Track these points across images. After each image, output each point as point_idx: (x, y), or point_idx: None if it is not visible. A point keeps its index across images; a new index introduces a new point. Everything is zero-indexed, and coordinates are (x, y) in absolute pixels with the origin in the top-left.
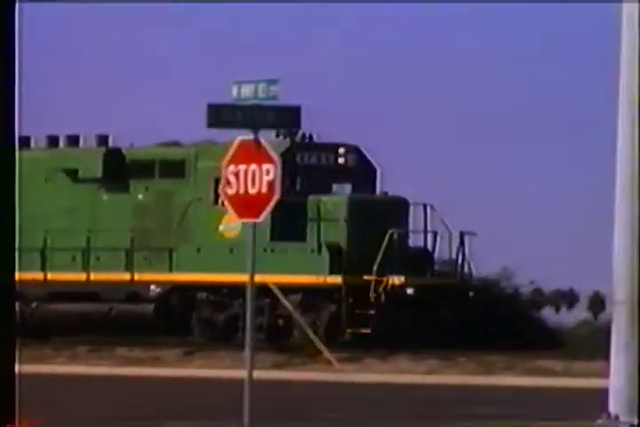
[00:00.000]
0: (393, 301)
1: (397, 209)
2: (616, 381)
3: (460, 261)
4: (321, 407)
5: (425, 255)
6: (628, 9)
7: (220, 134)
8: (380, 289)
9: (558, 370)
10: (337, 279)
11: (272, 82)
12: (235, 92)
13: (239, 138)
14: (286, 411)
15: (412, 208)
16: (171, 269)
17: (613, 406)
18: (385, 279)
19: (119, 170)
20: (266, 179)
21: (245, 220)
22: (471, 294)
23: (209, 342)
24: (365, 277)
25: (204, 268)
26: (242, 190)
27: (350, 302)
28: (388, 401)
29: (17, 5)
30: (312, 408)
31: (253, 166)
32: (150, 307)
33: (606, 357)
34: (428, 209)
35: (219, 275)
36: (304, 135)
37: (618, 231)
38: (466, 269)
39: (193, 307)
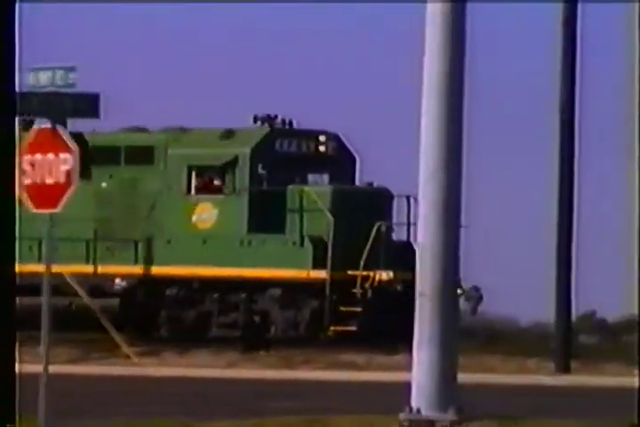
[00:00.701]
0: (380, 297)
1: (383, 201)
2: (418, 374)
3: None
4: (118, 402)
5: (409, 249)
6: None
7: (190, 120)
8: (367, 285)
9: (360, 363)
10: (321, 274)
11: (70, 69)
12: (32, 79)
13: (37, 127)
14: (83, 407)
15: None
16: (137, 262)
17: (416, 400)
18: (372, 274)
19: (81, 156)
20: (63, 168)
21: (43, 211)
22: (459, 291)
23: (177, 340)
24: (351, 272)
25: (174, 260)
26: (38, 180)
27: (334, 299)
28: (187, 395)
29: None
30: (109, 403)
31: (51, 156)
32: (115, 301)
33: (409, 350)
34: (412, 201)
35: (190, 268)
36: (284, 121)
37: (421, 223)
38: None
39: (162, 302)
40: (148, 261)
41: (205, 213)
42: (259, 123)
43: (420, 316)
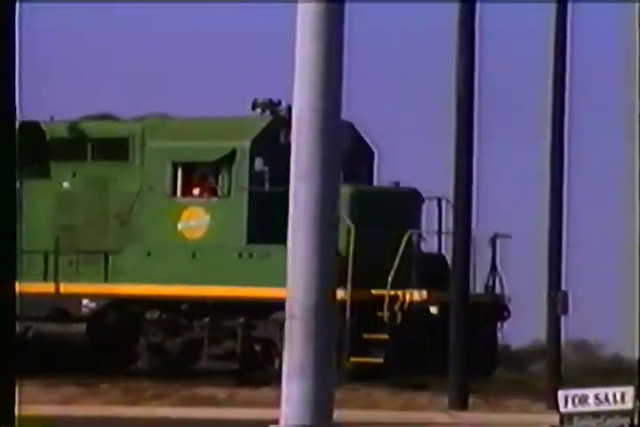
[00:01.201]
0: (412, 322)
1: (412, 204)
2: (287, 410)
3: (491, 274)
4: None
5: (442, 263)
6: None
7: (172, 108)
8: (396, 307)
9: (221, 398)
10: (339, 293)
11: None
12: None
13: None
14: None
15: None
16: (108, 279)
17: None
18: (402, 294)
19: (37, 150)
20: None
21: None
22: (505, 314)
23: (158, 374)
24: (375, 292)
25: (155, 277)
26: None
27: (355, 324)
28: None
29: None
30: None
31: None
32: (81, 327)
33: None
34: (444, 204)
35: (176, 287)
36: (289, 108)
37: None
38: (497, 283)
39: (140, 328)
40: (123, 278)
41: (194, 220)
42: (258, 110)
43: (289, 342)
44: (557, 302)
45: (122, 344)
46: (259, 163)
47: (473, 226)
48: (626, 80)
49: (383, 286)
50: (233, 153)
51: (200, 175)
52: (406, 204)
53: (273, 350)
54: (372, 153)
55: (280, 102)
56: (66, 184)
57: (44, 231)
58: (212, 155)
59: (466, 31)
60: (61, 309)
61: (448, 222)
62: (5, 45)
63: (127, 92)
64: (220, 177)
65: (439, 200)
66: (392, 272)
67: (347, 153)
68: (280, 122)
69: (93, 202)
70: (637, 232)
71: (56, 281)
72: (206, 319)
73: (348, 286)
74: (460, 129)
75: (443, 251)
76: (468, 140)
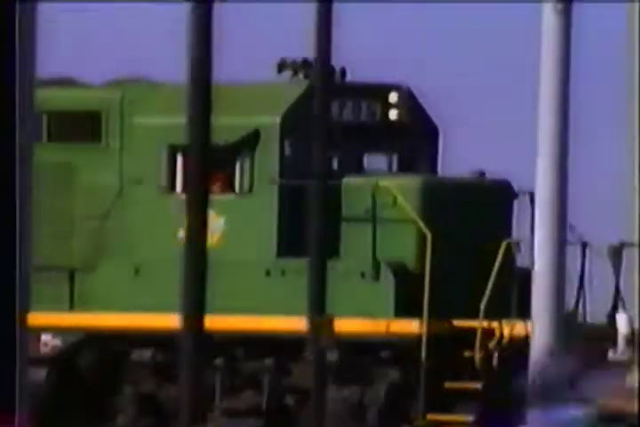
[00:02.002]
0: (514, 365)
1: (505, 203)
2: None
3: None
4: None
5: None
6: None
7: (159, 71)
8: (492, 344)
9: None
10: (411, 325)
11: None
12: None
13: None
14: None
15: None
16: (73, 305)
17: None
18: (499, 326)
19: None
20: None
21: None
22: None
23: None
24: (462, 323)
25: (145, 303)
26: None
27: (433, 367)
28: None
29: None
30: None
31: None
32: (39, 373)
33: None
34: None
35: (175, 316)
36: (342, 71)
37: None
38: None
39: (123, 373)
40: (99, 305)
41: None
42: (287, 73)
43: None
44: None
45: (97, 397)
46: (292, 147)
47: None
48: None
49: (472, 316)
50: (256, 133)
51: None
52: (498, 202)
53: (307, 401)
54: (437, 130)
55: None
56: None
57: None
58: (225, 136)
59: None
60: None
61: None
62: (5, 46)
63: (92, 52)
64: (237, 166)
65: (531, 196)
66: (485, 297)
67: (403, 131)
68: None
69: (50, 199)
70: None
71: None
72: (219, 361)
73: (425, 314)
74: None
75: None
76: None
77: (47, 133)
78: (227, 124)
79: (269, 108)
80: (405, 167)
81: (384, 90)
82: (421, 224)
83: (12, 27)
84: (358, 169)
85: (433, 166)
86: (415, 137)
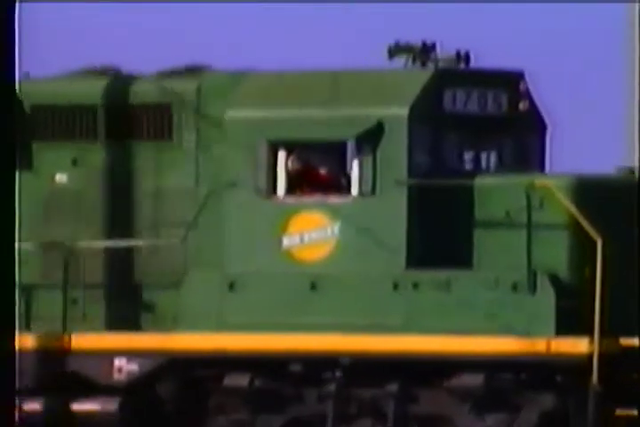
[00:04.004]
0: None
1: None
2: None
3: None
4: None
5: None
6: None
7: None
8: None
9: None
10: (579, 345)
11: None
12: None
13: None
14: None
15: None
16: (155, 323)
17: None
18: None
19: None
20: None
21: None
22: None
23: None
24: (630, 342)
25: (245, 322)
26: None
27: (603, 391)
28: None
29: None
30: None
31: None
32: (112, 404)
33: None
34: None
35: (283, 336)
36: (457, 55)
37: None
38: None
39: (216, 402)
40: (185, 324)
41: (312, 232)
42: (403, 58)
43: None
44: None
45: None
46: (423, 142)
47: None
48: None
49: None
50: (379, 127)
51: (318, 162)
52: None
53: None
54: (545, 126)
55: (435, 46)
56: (60, 177)
57: (24, 253)
58: (343, 130)
59: None
60: (74, 374)
61: None
62: (5, 46)
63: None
64: (356, 164)
65: None
66: None
67: (520, 124)
68: (448, 78)
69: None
70: None
71: (65, 330)
72: (331, 387)
73: (596, 334)
74: None
75: None
76: None
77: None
78: (344, 117)
79: (396, 98)
80: (518, 163)
81: (512, 78)
82: (589, 229)
83: (12, 26)
84: (476, 165)
85: (542, 164)
86: (535, 131)
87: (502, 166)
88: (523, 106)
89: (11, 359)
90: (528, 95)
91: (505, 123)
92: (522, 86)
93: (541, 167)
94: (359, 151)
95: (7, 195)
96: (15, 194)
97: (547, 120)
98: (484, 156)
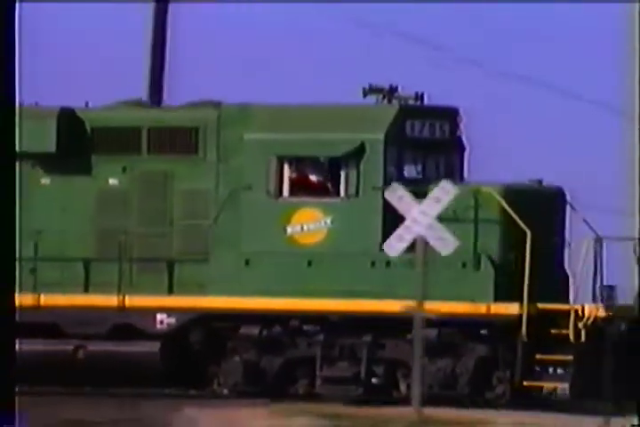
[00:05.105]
0: (598, 341)
1: (560, 206)
2: None
3: None
4: None
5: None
6: None
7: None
8: (580, 324)
9: None
10: (511, 308)
11: None
12: None
13: None
14: None
15: None
16: (171, 290)
17: None
18: (585, 309)
19: (75, 141)
20: None
21: None
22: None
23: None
24: (553, 306)
25: (256, 289)
26: None
27: (529, 343)
28: None
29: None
30: None
31: None
32: (155, 347)
33: None
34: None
35: (286, 299)
36: (421, 96)
37: None
38: None
39: (229, 346)
40: (212, 290)
41: (310, 223)
42: (375, 98)
43: None
44: None
45: (207, 365)
46: (392, 158)
47: None
48: None
49: (552, 300)
50: (361, 147)
51: (314, 172)
52: (557, 205)
53: (399, 372)
54: (464, 147)
55: (397, 88)
56: (113, 181)
57: (83, 235)
58: (334, 149)
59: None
60: (128, 325)
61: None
62: (5, 46)
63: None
64: (343, 174)
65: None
66: (574, 284)
67: (448, 145)
68: (407, 112)
69: (150, 203)
70: None
71: (120, 293)
72: (319, 337)
73: (525, 298)
74: None
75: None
76: None
77: (146, 146)
78: (335, 139)
79: (374, 126)
80: (448, 175)
81: (453, 112)
82: (521, 224)
83: (12, 26)
84: (424, 177)
85: (462, 175)
86: (451, 150)
87: (439, 177)
88: (459, 133)
89: (10, 316)
90: (461, 125)
91: (444, 145)
92: (458, 119)
93: (461, 177)
94: (347, 165)
95: (7, 194)
96: (15, 194)
97: (465, 144)
98: (429, 168)
